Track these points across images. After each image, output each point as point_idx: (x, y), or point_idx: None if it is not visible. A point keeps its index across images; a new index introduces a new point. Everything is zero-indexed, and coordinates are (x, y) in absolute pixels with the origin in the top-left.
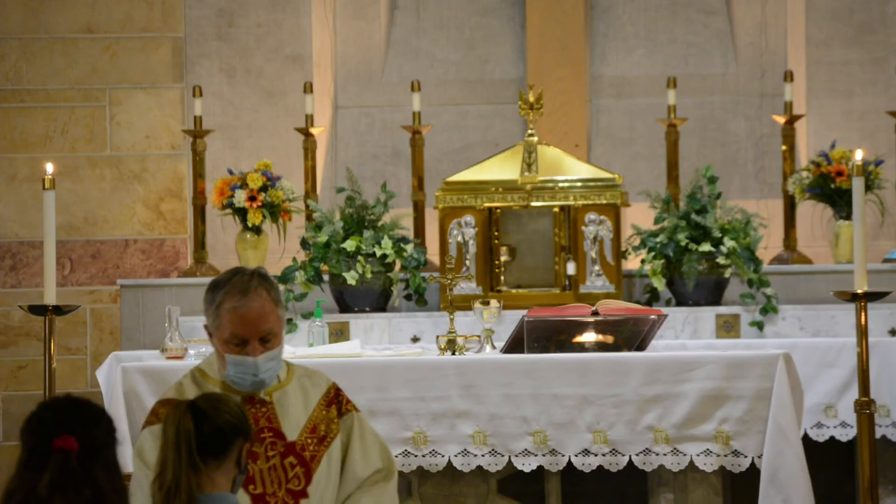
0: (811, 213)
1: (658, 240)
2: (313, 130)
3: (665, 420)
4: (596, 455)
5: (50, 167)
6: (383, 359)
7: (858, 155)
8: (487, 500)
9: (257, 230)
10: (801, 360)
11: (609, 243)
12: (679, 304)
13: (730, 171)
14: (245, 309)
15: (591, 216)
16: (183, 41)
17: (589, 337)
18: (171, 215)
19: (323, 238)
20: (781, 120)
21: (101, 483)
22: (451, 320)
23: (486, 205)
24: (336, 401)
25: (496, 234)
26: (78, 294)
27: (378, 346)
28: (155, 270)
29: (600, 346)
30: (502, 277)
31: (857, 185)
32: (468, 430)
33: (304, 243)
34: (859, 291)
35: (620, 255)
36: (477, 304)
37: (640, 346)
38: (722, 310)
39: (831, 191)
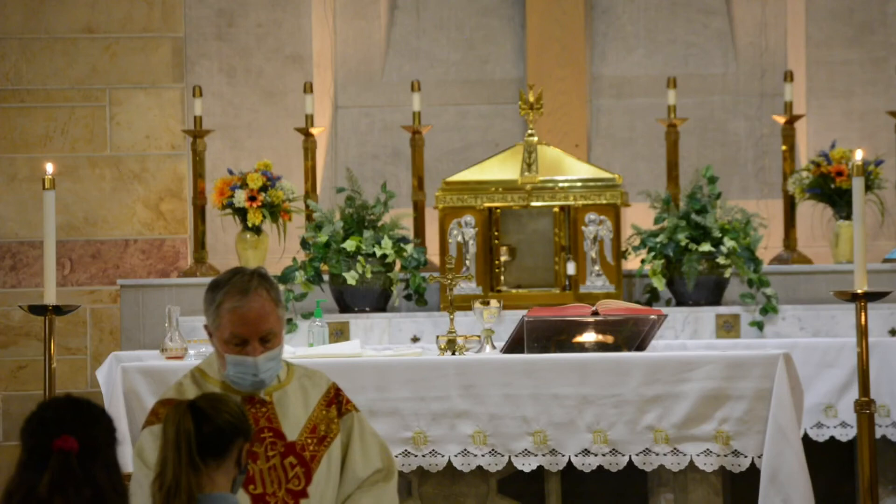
0: (811, 213)
1: (658, 240)
2: (313, 130)
3: (665, 420)
4: (596, 455)
5: (50, 167)
6: (383, 359)
7: (858, 155)
8: (487, 500)
9: (257, 230)
10: (801, 360)
11: (609, 243)
12: (679, 304)
13: (730, 171)
14: (245, 309)
15: (591, 216)
16: (183, 41)
17: (589, 337)
18: (171, 215)
19: (323, 238)
20: (781, 120)
21: (101, 483)
22: (451, 320)
23: (486, 205)
24: (336, 401)
25: (496, 234)
26: (78, 294)
27: (378, 346)
28: (155, 270)
29: (600, 346)
30: (502, 277)
31: (857, 185)
32: (468, 430)
33: (304, 243)
34: (859, 291)
35: (620, 255)
36: (477, 304)
37: (640, 346)
38: (722, 310)
39: (831, 191)
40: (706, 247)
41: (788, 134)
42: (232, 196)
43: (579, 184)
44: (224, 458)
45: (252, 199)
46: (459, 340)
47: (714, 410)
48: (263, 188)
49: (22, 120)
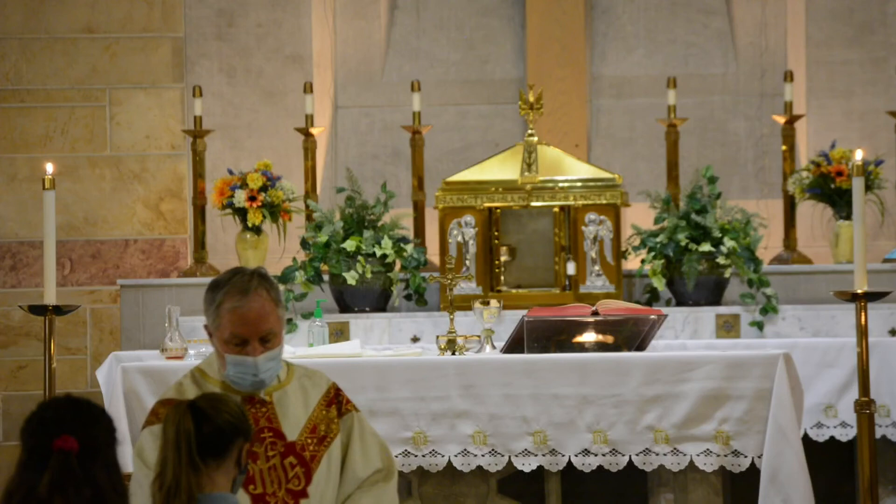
0: (811, 213)
1: (658, 240)
2: (313, 130)
3: (665, 420)
4: (596, 455)
5: (50, 167)
6: (383, 359)
7: (858, 155)
8: (487, 500)
9: (257, 230)
10: (801, 360)
11: (609, 243)
12: (679, 304)
13: (730, 171)
14: (245, 309)
15: (591, 216)
16: (183, 41)
17: (589, 337)
18: (171, 215)
19: (323, 238)
20: (781, 120)
21: (101, 483)
22: (451, 320)
23: (486, 205)
24: (336, 401)
25: (496, 234)
26: (78, 294)
27: (378, 346)
28: (155, 270)
29: (600, 346)
30: (502, 277)
31: (857, 185)
32: (468, 430)
33: (304, 243)
34: (859, 291)
35: (620, 255)
36: (477, 304)
37: (640, 346)
38: (722, 310)
39: (831, 191)
40: (706, 247)
41: (788, 134)
42: (232, 196)
43: (579, 184)
44: (224, 458)
45: (252, 199)
46: (459, 340)
47: (714, 410)
48: (263, 188)
49: (22, 120)
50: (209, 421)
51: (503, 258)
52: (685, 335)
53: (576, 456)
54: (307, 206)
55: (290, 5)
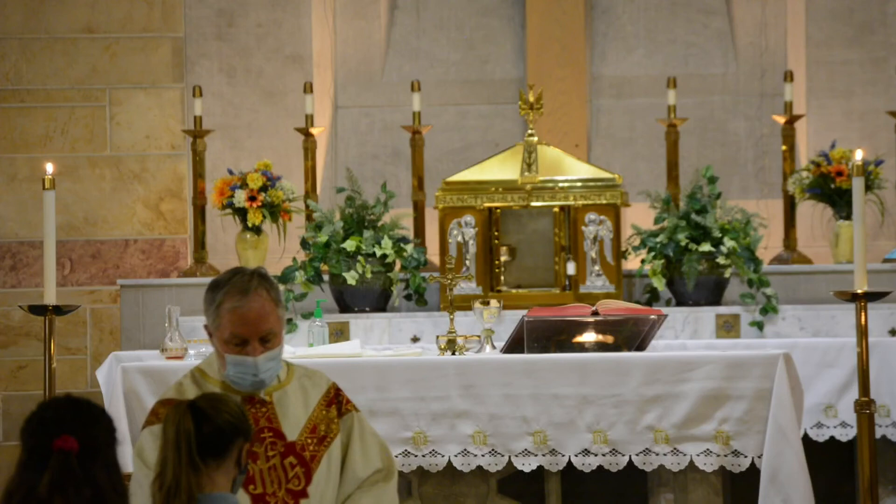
0: (811, 213)
1: (658, 240)
2: (313, 130)
3: (665, 420)
4: (596, 455)
5: (50, 167)
6: (383, 359)
7: (858, 155)
8: (487, 500)
9: (257, 230)
10: (801, 360)
11: (609, 243)
12: (679, 304)
13: (730, 171)
14: (245, 309)
15: (591, 216)
16: (183, 41)
17: (589, 337)
18: (171, 215)
19: (323, 238)
20: (781, 120)
21: (101, 483)
22: (451, 320)
23: (486, 205)
24: (336, 401)
25: (496, 234)
26: (78, 294)
27: (378, 346)
28: (155, 270)
29: (600, 346)
30: (502, 277)
31: (857, 185)
32: (468, 430)
33: (304, 243)
34: (859, 291)
35: (620, 255)
36: (477, 304)
37: (640, 346)
38: (722, 310)
39: (831, 191)
40: (706, 247)
41: (788, 134)
42: (232, 196)
43: (579, 184)
44: (224, 458)
45: (252, 199)
46: (459, 340)
47: (714, 410)
48: (263, 188)
49: (22, 120)
50: (209, 421)
51: (503, 258)
52: (685, 335)
53: (576, 456)
54: (307, 206)
55: (290, 5)
